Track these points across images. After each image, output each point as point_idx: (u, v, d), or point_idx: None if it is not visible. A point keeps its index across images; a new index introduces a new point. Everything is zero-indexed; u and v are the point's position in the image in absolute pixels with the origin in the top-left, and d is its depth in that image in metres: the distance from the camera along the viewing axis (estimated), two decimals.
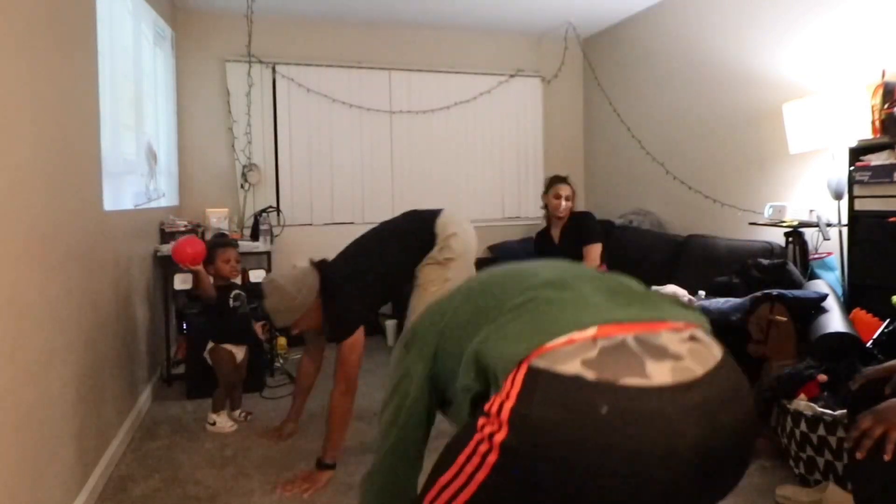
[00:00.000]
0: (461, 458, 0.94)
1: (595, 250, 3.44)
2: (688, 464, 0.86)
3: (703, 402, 0.88)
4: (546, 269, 1.13)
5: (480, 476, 0.91)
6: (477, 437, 0.92)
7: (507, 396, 0.89)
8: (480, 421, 0.92)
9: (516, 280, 1.10)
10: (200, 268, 2.95)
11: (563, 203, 3.58)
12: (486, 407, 0.92)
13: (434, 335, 1.18)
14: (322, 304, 2.45)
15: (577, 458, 0.85)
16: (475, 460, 0.92)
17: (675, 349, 0.92)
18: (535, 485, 0.87)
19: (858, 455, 1.34)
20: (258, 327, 3.20)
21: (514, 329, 0.97)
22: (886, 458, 1.29)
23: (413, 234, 2.78)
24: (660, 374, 0.88)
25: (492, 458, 0.89)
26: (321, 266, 2.54)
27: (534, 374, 0.89)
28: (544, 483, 0.86)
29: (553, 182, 3.65)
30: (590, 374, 0.87)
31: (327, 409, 2.44)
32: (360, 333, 2.46)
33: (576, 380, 0.87)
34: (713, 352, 0.97)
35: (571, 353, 0.89)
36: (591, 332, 0.92)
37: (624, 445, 0.84)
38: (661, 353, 0.91)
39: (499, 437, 0.89)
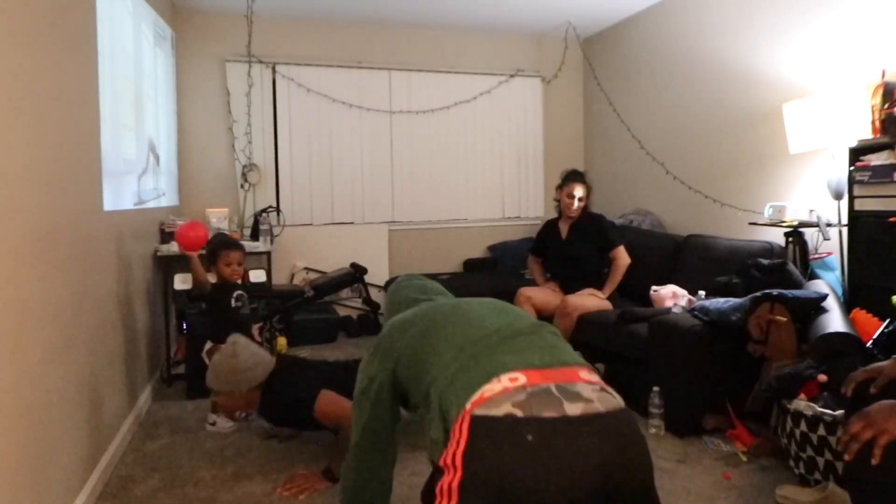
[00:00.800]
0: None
1: (623, 252, 3.55)
2: (595, 477, 1.11)
3: (605, 429, 1.16)
4: (488, 320, 1.42)
5: None
6: (437, 500, 1.15)
7: (458, 444, 1.13)
8: (439, 485, 1.15)
9: (462, 330, 1.38)
10: (194, 255, 2.99)
11: (576, 203, 3.58)
12: (441, 461, 1.16)
13: (392, 355, 1.52)
14: (264, 393, 2.43)
15: (515, 479, 1.09)
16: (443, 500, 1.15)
17: (588, 395, 1.19)
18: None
19: (846, 457, 1.36)
20: (255, 329, 3.19)
21: (460, 382, 1.24)
22: (874, 462, 1.30)
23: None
24: (573, 410, 1.15)
25: (454, 501, 1.12)
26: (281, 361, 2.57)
27: (476, 421, 1.14)
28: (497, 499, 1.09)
29: (568, 179, 3.62)
30: (518, 412, 1.13)
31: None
32: (324, 396, 2.39)
33: (508, 417, 1.13)
34: (618, 400, 1.24)
35: (504, 399, 1.15)
36: (522, 380, 1.18)
37: (548, 464, 1.09)
38: (576, 397, 1.18)
39: (456, 482, 1.11)
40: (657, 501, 1.26)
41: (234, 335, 2.53)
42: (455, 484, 1.11)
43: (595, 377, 1.27)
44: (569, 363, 1.28)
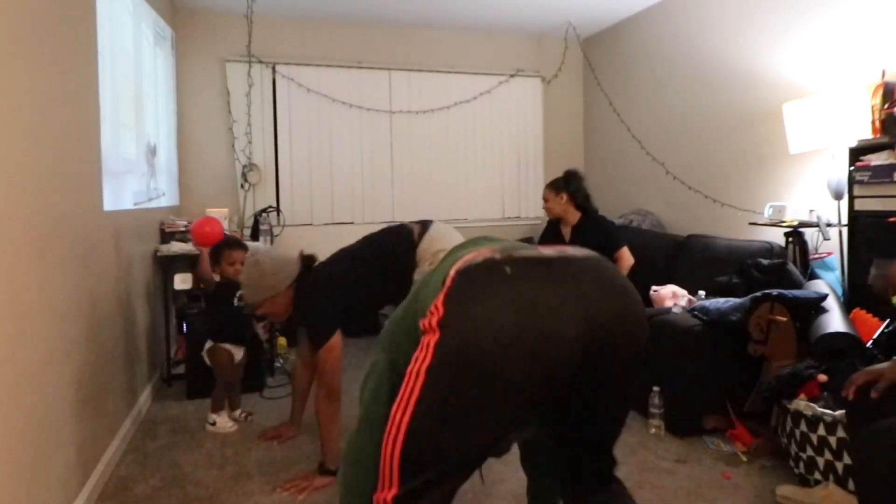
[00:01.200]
0: (409, 368, 1.16)
1: (627, 253, 3.56)
2: (573, 311, 1.10)
3: (584, 269, 1.18)
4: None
5: (426, 363, 1.12)
6: (422, 341, 1.16)
7: (439, 295, 1.15)
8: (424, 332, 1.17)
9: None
10: (205, 251, 3.04)
11: (544, 205, 3.69)
12: (424, 323, 1.16)
13: (389, 336, 1.45)
14: (294, 296, 2.43)
15: (492, 312, 1.08)
16: (421, 355, 1.14)
17: (564, 254, 1.23)
18: (467, 358, 1.08)
19: (849, 397, 1.55)
20: (260, 327, 3.20)
21: (441, 270, 1.26)
22: (874, 395, 1.49)
23: (393, 256, 2.65)
24: (548, 252, 1.20)
25: (433, 339, 1.12)
26: (307, 261, 2.52)
27: (457, 273, 1.17)
28: (473, 353, 1.08)
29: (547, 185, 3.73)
30: (497, 255, 1.17)
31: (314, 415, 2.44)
32: (336, 338, 2.39)
33: (487, 260, 1.17)
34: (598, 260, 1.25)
35: (485, 255, 1.19)
36: (499, 249, 1.21)
37: (525, 295, 1.10)
38: (551, 250, 1.22)
39: (435, 320, 1.13)
40: (638, 368, 1.25)
41: (252, 247, 2.61)
42: (435, 322, 1.12)
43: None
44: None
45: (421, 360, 1.13)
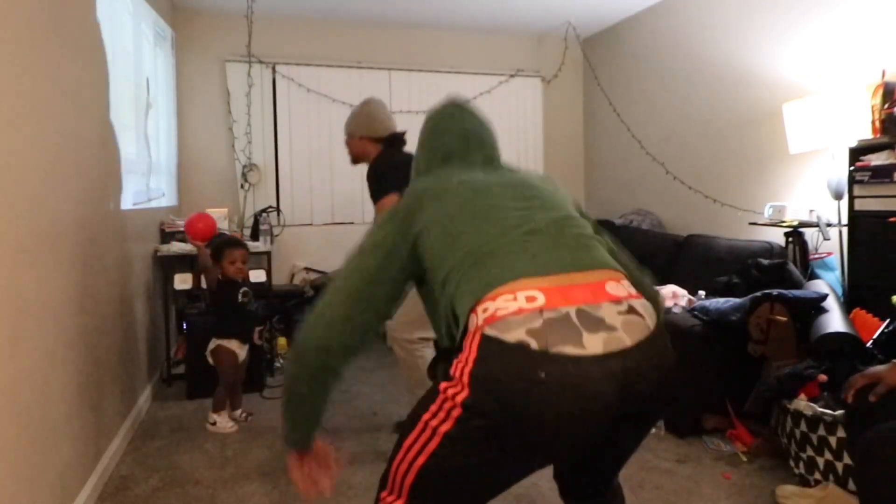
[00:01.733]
0: (426, 416, 1.09)
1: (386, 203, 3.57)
2: (605, 417, 1.04)
3: (625, 369, 1.03)
4: (509, 214, 1.23)
5: (445, 428, 1.06)
6: (441, 397, 1.08)
7: (466, 362, 1.04)
8: (443, 385, 1.08)
9: (488, 220, 1.22)
10: (202, 246, 3.08)
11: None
12: (451, 371, 1.07)
13: (417, 224, 1.28)
14: (379, 152, 2.75)
15: (522, 413, 1.01)
16: (441, 415, 1.07)
17: (611, 321, 1.05)
18: (490, 434, 1.04)
19: (844, 396, 1.55)
20: (256, 332, 3.20)
21: (469, 286, 1.13)
22: (871, 398, 1.50)
23: None
24: (593, 345, 1.01)
25: (455, 412, 1.05)
26: (398, 136, 2.82)
27: (487, 341, 1.03)
28: (498, 432, 1.03)
29: None
30: (533, 343, 1.00)
31: None
32: (391, 199, 2.50)
33: (520, 347, 1.01)
34: (647, 322, 1.10)
35: (519, 323, 1.02)
36: (540, 301, 1.04)
37: (556, 403, 0.99)
38: (597, 325, 1.04)
39: (461, 397, 1.04)
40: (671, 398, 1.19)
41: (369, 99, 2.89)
42: (459, 399, 1.05)
43: (623, 288, 1.12)
44: (592, 267, 1.13)
45: (439, 421, 1.07)
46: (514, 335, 1.01)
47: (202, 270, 3.13)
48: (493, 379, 1.02)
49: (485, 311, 1.06)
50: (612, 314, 1.06)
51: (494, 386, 1.01)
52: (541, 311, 1.03)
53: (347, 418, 3.08)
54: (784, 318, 2.55)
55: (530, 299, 1.05)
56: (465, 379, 1.04)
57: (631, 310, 1.09)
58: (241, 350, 3.03)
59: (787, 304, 2.57)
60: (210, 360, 3.01)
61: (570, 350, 1.00)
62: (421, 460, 1.09)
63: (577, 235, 1.20)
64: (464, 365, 1.05)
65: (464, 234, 1.19)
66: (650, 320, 1.10)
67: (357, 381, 3.69)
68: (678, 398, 1.21)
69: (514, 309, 1.04)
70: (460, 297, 1.12)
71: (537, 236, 1.17)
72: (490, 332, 1.03)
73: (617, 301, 1.08)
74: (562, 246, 1.16)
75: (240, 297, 3.02)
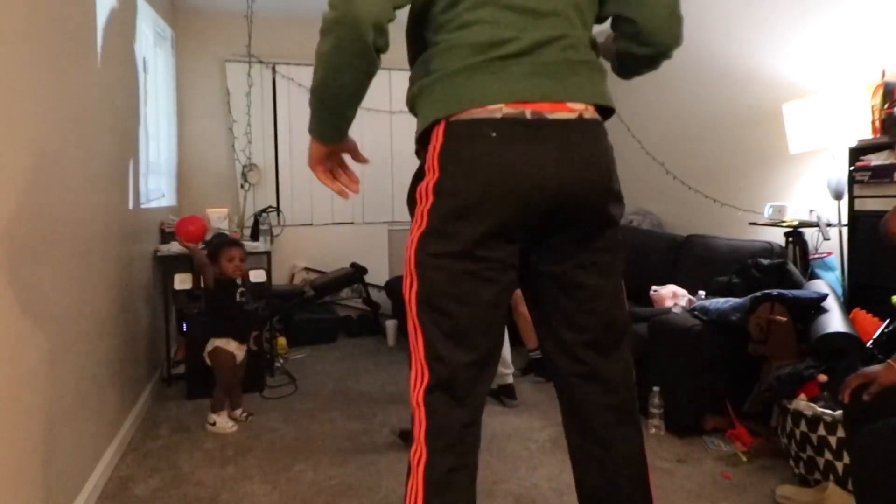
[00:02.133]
0: (410, 237, 1.24)
1: None
2: (551, 170, 1.14)
3: (565, 131, 1.16)
4: (506, 14, 1.20)
5: (428, 205, 1.18)
6: (418, 207, 1.21)
7: (434, 148, 1.18)
8: (419, 187, 1.22)
9: (482, 20, 1.20)
10: (194, 246, 3.11)
11: None
12: (426, 166, 1.21)
13: None
14: None
15: (479, 169, 1.13)
16: (418, 221, 1.21)
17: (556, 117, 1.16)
18: (459, 211, 1.14)
19: (840, 396, 1.55)
20: (251, 338, 3.20)
21: (438, 95, 1.22)
22: (865, 398, 1.51)
23: None
24: (532, 115, 1.14)
25: (429, 205, 1.18)
26: None
27: (450, 126, 1.16)
28: (465, 205, 1.13)
29: None
30: (490, 117, 1.13)
31: None
32: None
33: (479, 120, 1.14)
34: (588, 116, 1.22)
35: (479, 113, 1.14)
36: (498, 109, 1.14)
37: (505, 157, 1.12)
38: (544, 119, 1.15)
39: (432, 182, 1.17)
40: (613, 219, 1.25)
41: None
42: (431, 185, 1.17)
43: (583, 97, 1.22)
44: (564, 100, 1.18)
45: (417, 227, 1.21)
46: (474, 116, 1.14)
47: (199, 271, 3.14)
48: (455, 150, 1.14)
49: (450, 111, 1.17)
50: (562, 117, 1.17)
51: (456, 151, 1.14)
52: (500, 110, 1.14)
53: (347, 418, 3.08)
54: (784, 318, 2.55)
55: (490, 104, 1.15)
56: (435, 163, 1.16)
57: (581, 117, 1.19)
58: (238, 350, 3.03)
59: (787, 304, 2.57)
60: (208, 361, 3.00)
61: (516, 115, 1.13)
62: (415, 286, 1.19)
63: (562, 62, 1.20)
64: (432, 152, 1.17)
65: (464, 23, 1.21)
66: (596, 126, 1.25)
67: (357, 381, 3.69)
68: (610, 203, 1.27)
69: (477, 109, 1.15)
70: (430, 98, 1.24)
71: (517, 62, 1.17)
72: (454, 119, 1.16)
73: (571, 111, 1.18)
74: (539, 74, 1.17)
75: (237, 296, 3.02)
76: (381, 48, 1.22)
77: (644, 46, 1.32)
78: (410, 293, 1.20)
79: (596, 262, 1.23)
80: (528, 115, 1.13)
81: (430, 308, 1.18)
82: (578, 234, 1.22)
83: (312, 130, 1.35)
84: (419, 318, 1.19)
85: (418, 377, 1.19)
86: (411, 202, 1.28)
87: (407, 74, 1.48)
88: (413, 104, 1.34)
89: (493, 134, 1.12)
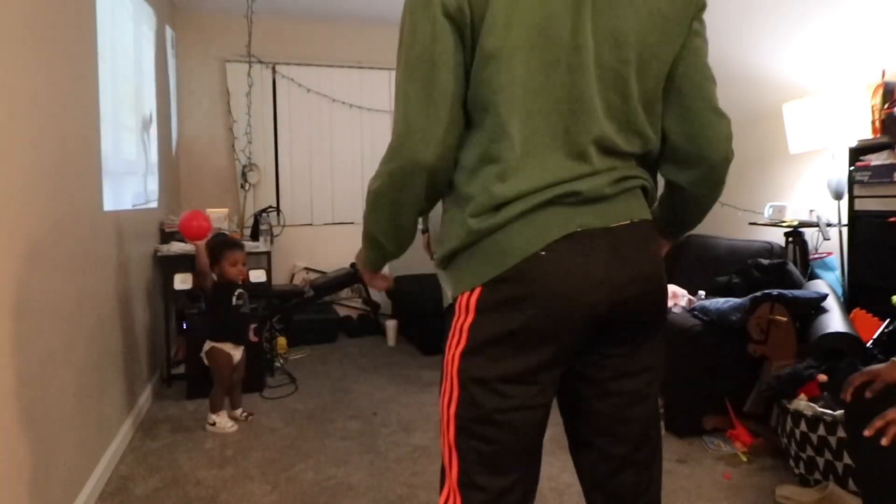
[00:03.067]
0: (446, 355, 1.06)
1: None
2: (595, 298, 0.98)
3: (614, 242, 1.00)
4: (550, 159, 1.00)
5: (460, 349, 1.02)
6: (455, 323, 1.04)
7: (465, 316, 1.02)
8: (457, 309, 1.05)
9: (553, 129, 1.00)
10: (200, 244, 2.99)
11: None
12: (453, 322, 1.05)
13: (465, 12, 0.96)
14: None
15: (525, 278, 0.97)
16: (456, 338, 1.03)
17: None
18: (502, 336, 0.98)
19: (884, 441, 1.38)
20: (250, 331, 3.19)
21: (471, 266, 1.03)
22: (868, 395, 1.48)
23: None
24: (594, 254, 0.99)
25: (468, 322, 1.01)
26: None
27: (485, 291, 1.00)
28: (511, 329, 0.98)
29: None
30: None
31: None
32: None
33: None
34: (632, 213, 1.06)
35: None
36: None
37: (554, 274, 0.96)
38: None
39: (472, 311, 1.01)
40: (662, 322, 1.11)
41: None
42: (472, 309, 1.01)
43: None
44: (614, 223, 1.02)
45: (455, 345, 1.03)
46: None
47: (198, 272, 3.09)
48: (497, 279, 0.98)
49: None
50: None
51: (499, 282, 0.98)
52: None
53: (347, 418, 3.08)
54: (784, 318, 2.55)
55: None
56: (474, 301, 1.00)
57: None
58: (235, 352, 3.02)
59: (787, 304, 2.57)
60: (205, 361, 3.00)
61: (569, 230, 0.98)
62: (454, 406, 1.03)
63: (614, 185, 1.03)
64: (462, 321, 1.01)
65: (523, 137, 0.98)
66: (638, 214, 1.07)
67: (357, 381, 3.69)
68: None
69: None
70: (469, 272, 1.03)
71: (577, 205, 1.00)
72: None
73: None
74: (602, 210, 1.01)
75: (234, 299, 3.01)
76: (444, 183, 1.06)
77: None
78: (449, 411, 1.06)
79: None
80: None
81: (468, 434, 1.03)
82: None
83: (366, 262, 1.21)
84: (456, 442, 1.05)
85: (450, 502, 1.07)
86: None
87: None
88: None
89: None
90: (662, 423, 2.78)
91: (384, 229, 1.10)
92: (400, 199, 1.04)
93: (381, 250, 1.14)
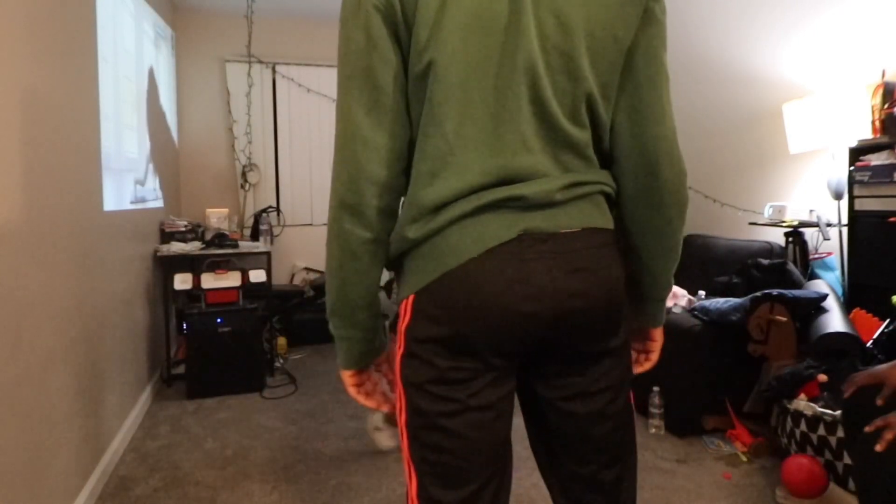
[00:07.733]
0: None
1: None
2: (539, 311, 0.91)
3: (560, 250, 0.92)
4: (508, 131, 0.92)
5: (404, 325, 0.96)
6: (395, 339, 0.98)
7: (403, 319, 0.96)
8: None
9: (461, 131, 0.92)
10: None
11: None
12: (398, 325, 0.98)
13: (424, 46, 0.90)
14: None
15: (460, 285, 0.91)
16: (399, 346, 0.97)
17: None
18: (438, 340, 0.93)
19: (878, 448, 1.36)
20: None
21: (411, 270, 0.97)
22: (879, 402, 1.47)
23: None
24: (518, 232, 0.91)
25: (405, 325, 0.95)
26: None
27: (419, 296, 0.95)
28: (446, 336, 0.92)
29: None
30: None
31: None
32: None
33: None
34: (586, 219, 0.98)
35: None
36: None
37: (491, 282, 0.90)
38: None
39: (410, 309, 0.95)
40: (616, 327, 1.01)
41: None
42: (410, 306, 0.96)
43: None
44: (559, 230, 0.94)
45: (398, 352, 0.98)
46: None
47: None
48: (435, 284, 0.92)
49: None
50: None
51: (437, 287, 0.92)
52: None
53: (347, 418, 3.08)
54: (784, 318, 2.55)
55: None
56: (402, 337, 0.96)
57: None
58: None
59: (787, 304, 2.57)
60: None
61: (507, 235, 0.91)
62: (404, 416, 0.97)
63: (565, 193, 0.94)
64: (401, 324, 0.96)
65: (453, 139, 0.91)
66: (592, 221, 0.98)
67: None
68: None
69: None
70: (409, 277, 0.97)
71: (506, 209, 0.92)
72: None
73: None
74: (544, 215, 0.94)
75: None
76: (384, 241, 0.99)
77: None
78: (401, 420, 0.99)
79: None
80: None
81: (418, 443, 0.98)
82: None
83: (345, 363, 1.08)
84: (410, 453, 0.99)
85: None
86: None
87: None
88: None
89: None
90: (662, 423, 2.79)
91: (339, 295, 0.99)
92: (352, 234, 0.94)
93: (345, 338, 1.03)
